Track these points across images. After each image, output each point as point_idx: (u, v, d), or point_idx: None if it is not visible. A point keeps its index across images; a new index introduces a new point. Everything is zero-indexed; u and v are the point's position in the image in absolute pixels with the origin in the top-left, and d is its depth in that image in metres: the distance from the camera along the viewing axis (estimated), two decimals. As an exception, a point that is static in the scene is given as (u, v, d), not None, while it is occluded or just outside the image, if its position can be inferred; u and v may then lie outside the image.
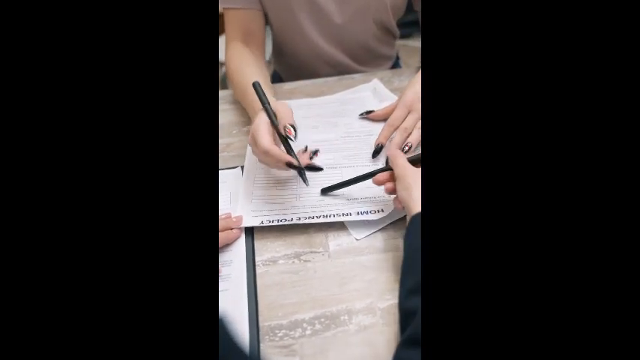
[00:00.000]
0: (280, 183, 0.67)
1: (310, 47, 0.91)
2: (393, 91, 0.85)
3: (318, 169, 0.60)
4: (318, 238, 0.58)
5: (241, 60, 0.82)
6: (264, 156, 0.59)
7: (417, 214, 0.49)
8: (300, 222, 0.59)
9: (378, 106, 0.82)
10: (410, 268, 0.47)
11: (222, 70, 1.70)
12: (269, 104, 0.64)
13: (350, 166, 0.69)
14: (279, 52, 0.99)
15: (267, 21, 0.91)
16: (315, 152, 0.70)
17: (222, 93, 0.88)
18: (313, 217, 0.59)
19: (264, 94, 0.65)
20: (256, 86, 0.66)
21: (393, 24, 0.94)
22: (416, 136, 0.68)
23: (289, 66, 1.00)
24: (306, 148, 0.68)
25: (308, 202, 0.63)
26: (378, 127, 0.77)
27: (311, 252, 0.57)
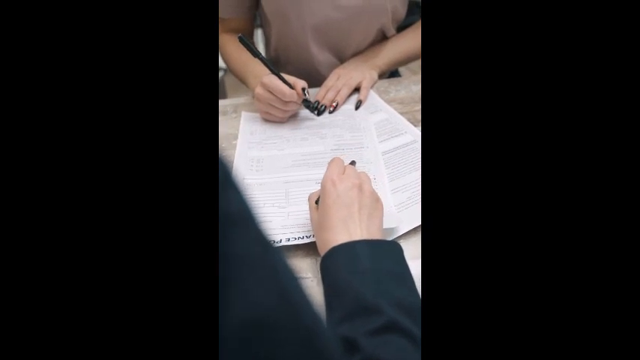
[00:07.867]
0: (269, 201, 0.63)
1: (305, 56, 0.90)
2: (389, 102, 0.81)
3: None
4: (306, 262, 0.54)
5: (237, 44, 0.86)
6: (280, 94, 0.71)
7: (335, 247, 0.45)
8: (290, 243, 0.55)
9: (367, 117, 0.79)
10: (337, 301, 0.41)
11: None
12: (262, 55, 0.71)
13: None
14: (276, 60, 0.98)
15: (265, 28, 0.95)
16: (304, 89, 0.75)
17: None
18: (303, 237, 0.55)
19: (254, 46, 0.71)
20: (244, 39, 0.70)
21: (392, 32, 0.91)
22: (343, 93, 0.81)
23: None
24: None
25: (298, 220, 0.59)
26: (369, 139, 0.74)
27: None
